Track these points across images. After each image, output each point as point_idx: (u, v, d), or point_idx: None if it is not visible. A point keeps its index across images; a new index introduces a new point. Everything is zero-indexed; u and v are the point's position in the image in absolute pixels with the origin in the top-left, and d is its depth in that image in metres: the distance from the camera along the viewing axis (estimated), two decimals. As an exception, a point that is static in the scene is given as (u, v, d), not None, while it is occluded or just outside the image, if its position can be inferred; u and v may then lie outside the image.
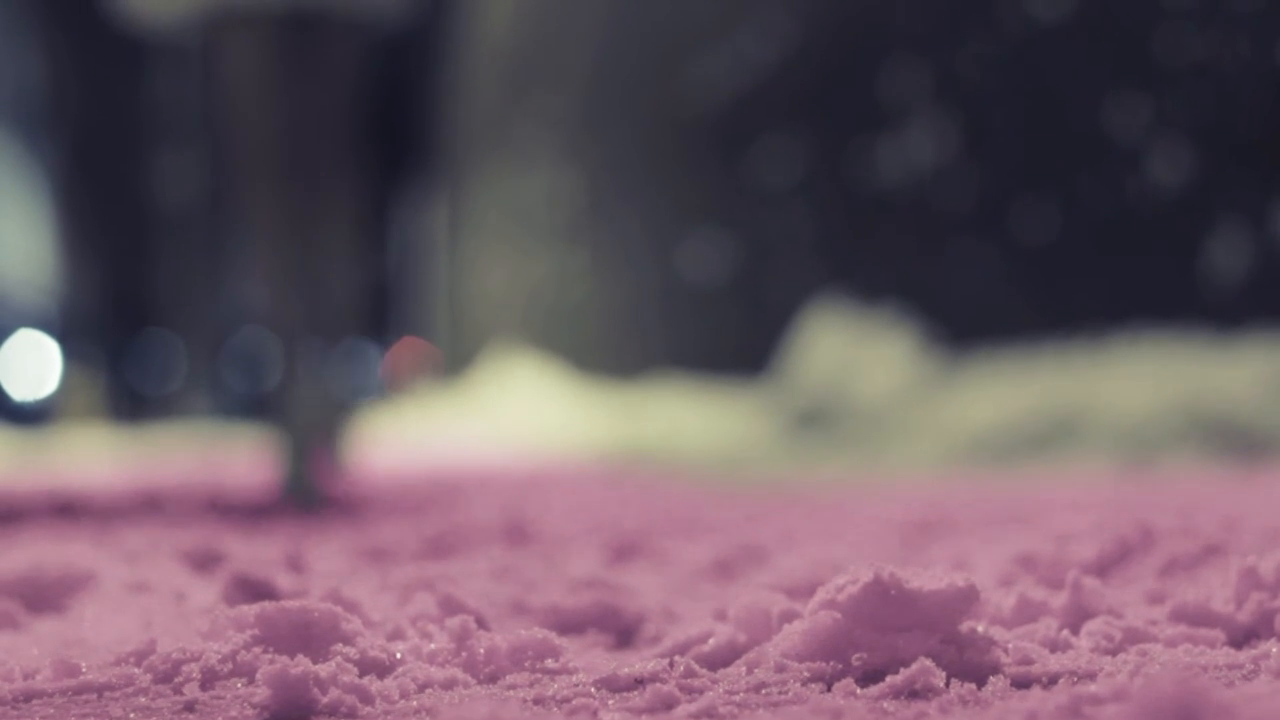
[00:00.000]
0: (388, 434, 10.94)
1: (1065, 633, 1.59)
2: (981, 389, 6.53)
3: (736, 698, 1.41)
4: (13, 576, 1.99)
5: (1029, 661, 1.49)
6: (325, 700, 1.40)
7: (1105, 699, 1.26)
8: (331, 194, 4.37)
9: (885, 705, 1.36)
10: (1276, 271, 5.66)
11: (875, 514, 3.17)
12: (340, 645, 1.53)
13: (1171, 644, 1.57)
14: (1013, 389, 6.32)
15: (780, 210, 8.41)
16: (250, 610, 1.55)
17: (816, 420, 7.31)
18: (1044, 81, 6.63)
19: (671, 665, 1.51)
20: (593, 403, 10.17)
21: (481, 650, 1.56)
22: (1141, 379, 5.79)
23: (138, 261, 23.66)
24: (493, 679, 1.54)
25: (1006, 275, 6.84)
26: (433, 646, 1.59)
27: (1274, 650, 1.50)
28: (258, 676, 1.44)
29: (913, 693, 1.39)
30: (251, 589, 1.86)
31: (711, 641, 1.60)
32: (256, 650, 1.51)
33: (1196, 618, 1.62)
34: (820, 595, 1.51)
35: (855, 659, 1.47)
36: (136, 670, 1.53)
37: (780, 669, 1.49)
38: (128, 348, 23.96)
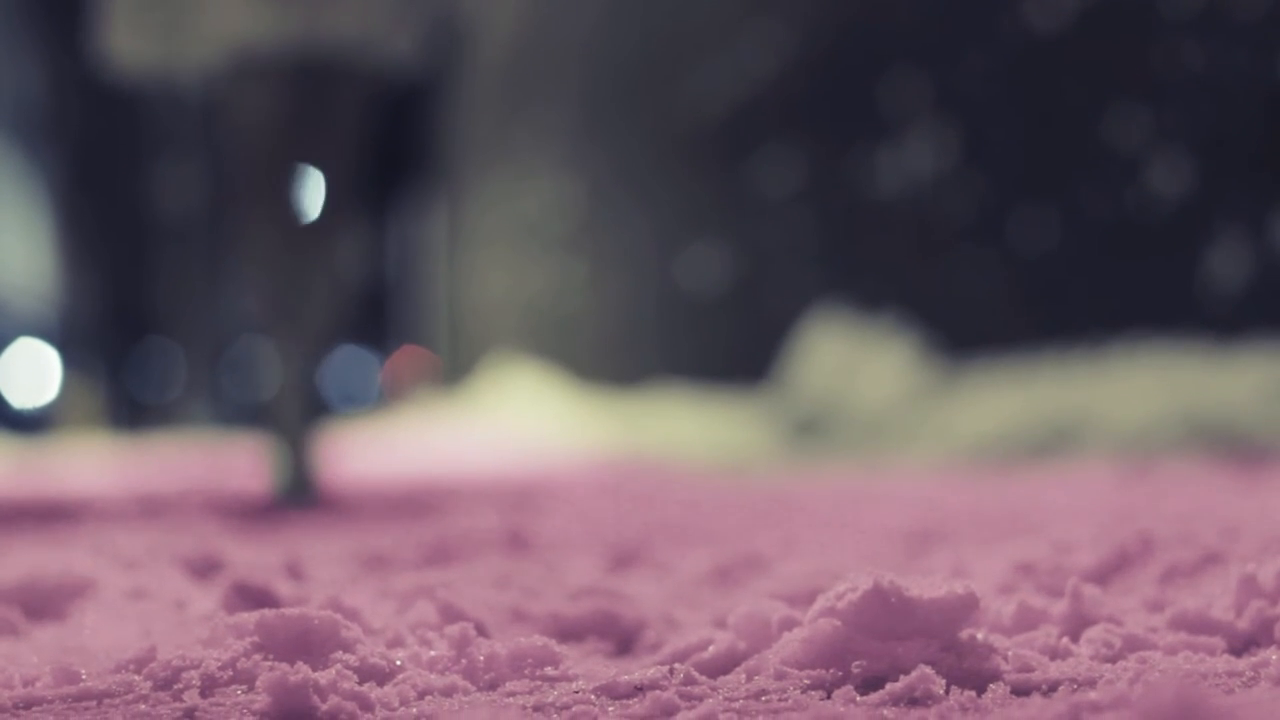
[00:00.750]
0: (388, 442, 10.94)
1: (1065, 640, 1.59)
2: (981, 397, 6.53)
3: (736, 705, 1.41)
4: (12, 584, 1.99)
5: (1029, 669, 1.49)
6: (325, 707, 1.40)
7: (1105, 706, 1.26)
8: (330, 220, 4.50)
9: (885, 712, 1.36)
10: (1275, 281, 5.66)
11: (875, 522, 3.17)
12: (340, 652, 1.53)
13: (1171, 651, 1.57)
14: (1012, 397, 6.32)
15: (780, 219, 8.41)
16: (250, 617, 1.55)
17: (816, 429, 7.31)
18: (1043, 92, 6.64)
19: (671, 673, 1.51)
20: (592, 411, 10.17)
21: (481, 657, 1.56)
22: (1141, 387, 5.79)
23: (137, 270, 23.67)
24: (492, 686, 1.54)
25: (1006, 284, 6.85)
26: (432, 654, 1.59)
27: (1274, 658, 1.50)
28: (257, 683, 1.44)
29: (912, 700, 1.39)
30: (251, 596, 1.86)
31: (711, 649, 1.60)
32: (256, 657, 1.51)
33: (1196, 625, 1.62)
34: (820, 603, 1.51)
35: (855, 666, 1.47)
36: (136, 677, 1.53)
37: (780, 676, 1.49)
38: (127, 356, 23.96)
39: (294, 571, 2.26)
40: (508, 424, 11.18)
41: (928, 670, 1.41)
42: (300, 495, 4.36)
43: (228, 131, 4.66)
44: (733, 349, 8.94)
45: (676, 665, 1.53)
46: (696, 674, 1.51)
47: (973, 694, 1.40)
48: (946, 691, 1.41)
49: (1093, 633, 1.59)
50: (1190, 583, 1.91)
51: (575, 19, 11.91)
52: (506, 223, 13.72)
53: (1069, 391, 6.11)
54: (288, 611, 1.54)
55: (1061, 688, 1.44)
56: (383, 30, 4.49)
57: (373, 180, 4.90)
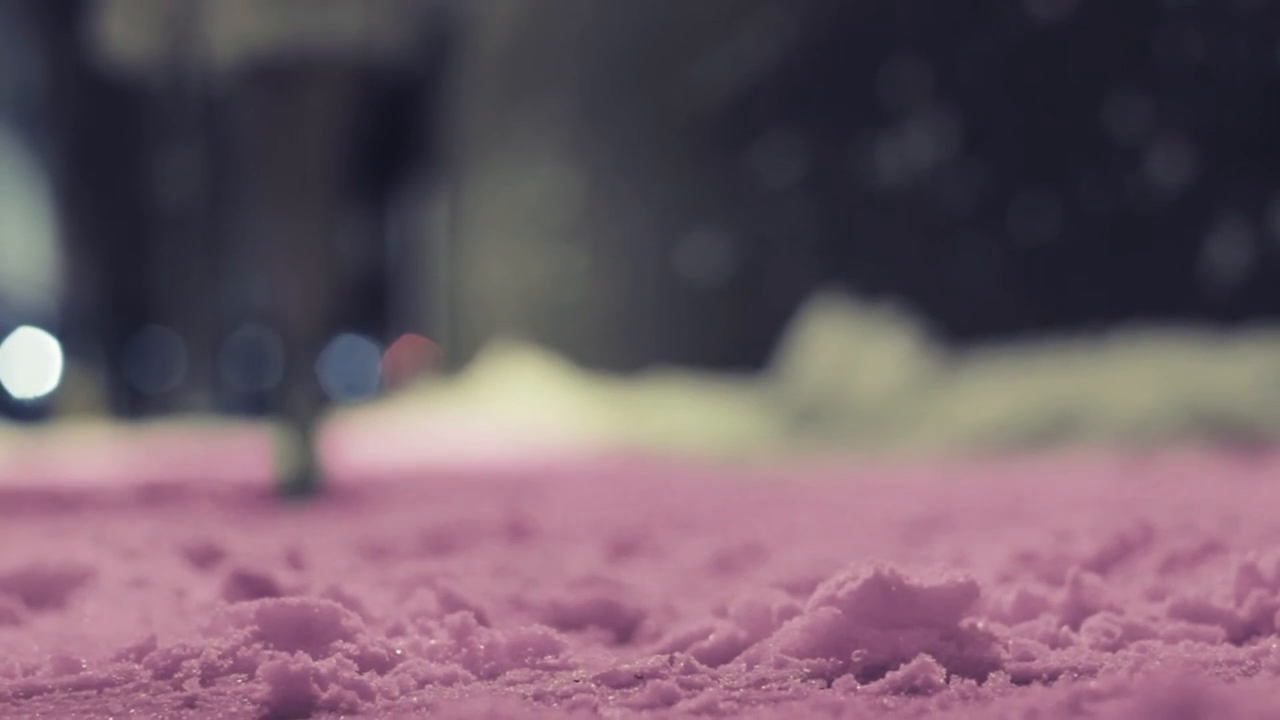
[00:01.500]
0: (388, 431, 10.95)
1: (1065, 629, 1.59)
2: (981, 386, 6.53)
3: (737, 694, 1.41)
4: (13, 573, 1.99)
5: (1029, 658, 1.49)
6: (325, 696, 1.41)
7: (1105, 695, 1.26)
8: (326, 208, 4.63)
9: (885, 701, 1.36)
10: (1276, 269, 5.66)
11: (875, 511, 3.17)
12: (340, 641, 1.53)
13: (1171, 640, 1.57)
14: (1013, 386, 6.32)
15: (780, 208, 8.41)
16: (250, 606, 1.55)
17: (816, 418, 7.31)
18: (1044, 81, 6.63)
19: (672, 661, 1.51)
20: (592, 400, 10.17)
21: (482, 646, 1.56)
22: (1141, 376, 5.79)
23: (137, 259, 23.67)
24: (493, 675, 1.54)
25: (1006, 273, 6.84)
26: (433, 643, 1.59)
27: (1274, 646, 1.50)
28: (258, 672, 1.44)
29: (913, 689, 1.39)
30: (251, 585, 1.86)
31: (712, 638, 1.60)
32: (257, 646, 1.51)
33: (1196, 614, 1.62)
34: (820, 592, 1.51)
35: (855, 655, 1.47)
36: (137, 666, 1.53)
37: (780, 665, 1.49)
38: (127, 345, 23.97)
39: (294, 560, 2.26)
40: (508, 413, 11.18)
41: (928, 659, 1.41)
42: (304, 492, 4.38)
43: (233, 129, 4.76)
44: (733, 338, 8.93)
45: (677, 654, 1.53)
46: (697, 663, 1.51)
47: (973, 683, 1.40)
48: (947, 680, 1.41)
49: (1093, 621, 1.59)
50: (1190, 572, 1.91)
51: (575, 7, 11.90)
52: (507, 212, 13.72)
53: (1069, 380, 6.11)
54: (288, 600, 1.54)
55: (1062, 676, 1.44)
56: (382, 29, 4.59)
57: (372, 170, 5.05)
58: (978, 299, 7.00)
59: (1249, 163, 5.75)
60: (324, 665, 1.44)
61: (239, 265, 22.23)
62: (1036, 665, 1.47)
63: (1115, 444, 5.43)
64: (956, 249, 7.11)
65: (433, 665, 1.53)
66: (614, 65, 10.95)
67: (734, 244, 8.91)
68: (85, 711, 1.41)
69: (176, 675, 1.50)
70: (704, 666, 1.50)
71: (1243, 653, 1.50)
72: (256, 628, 1.52)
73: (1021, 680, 1.44)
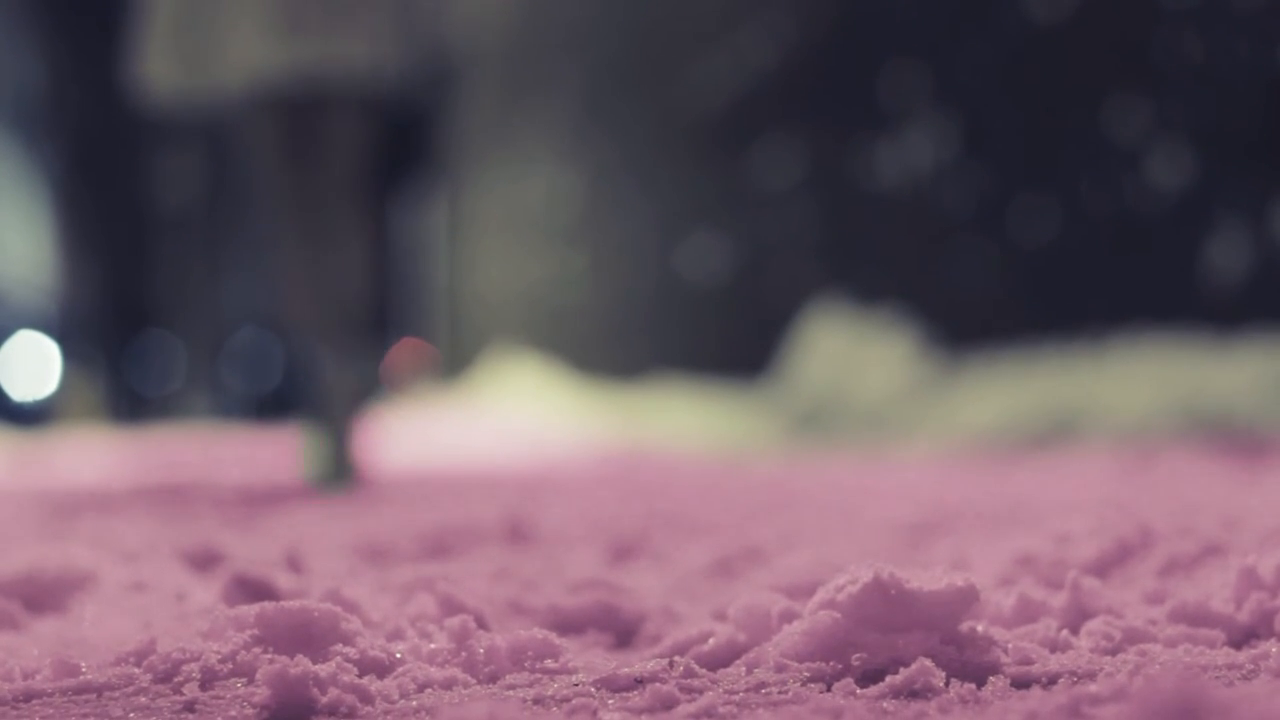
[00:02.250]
0: (388, 434, 10.95)
1: (1065, 633, 1.59)
2: (981, 389, 6.53)
3: (736, 698, 1.41)
4: (12, 576, 1.99)
5: (1029, 661, 1.49)
6: (325, 700, 1.41)
7: (1105, 699, 1.26)
8: (347, 220, 4.91)
9: (885, 705, 1.36)
10: (1275, 272, 5.66)
11: (875, 514, 3.17)
12: (340, 645, 1.53)
13: (1171, 644, 1.57)
14: (1012, 389, 6.32)
15: (780, 211, 8.41)
16: (250, 610, 1.55)
17: (816, 420, 7.31)
18: (1043, 83, 6.64)
19: (671, 665, 1.51)
20: (592, 403, 10.17)
21: (481, 650, 1.56)
22: (1141, 379, 5.79)
23: (137, 262, 23.66)
24: (492, 679, 1.54)
25: (1006, 276, 6.84)
26: (432, 646, 1.59)
27: (1274, 650, 1.50)
28: (257, 676, 1.44)
29: (912, 693, 1.39)
30: (251, 589, 1.86)
31: (711, 641, 1.60)
32: (256, 650, 1.51)
33: (1196, 618, 1.62)
34: (820, 595, 1.51)
35: (855, 659, 1.47)
36: (136, 670, 1.53)
37: (780, 669, 1.49)
38: (127, 348, 23.96)
39: (294, 564, 2.26)
40: (508, 416, 11.18)
41: (928, 663, 1.42)
42: (338, 482, 4.62)
43: (246, 155, 5.01)
44: (732, 340, 8.94)
45: (676, 658, 1.53)
46: (696, 666, 1.51)
47: (973, 686, 1.41)
48: (946, 684, 1.41)
49: (1093, 625, 1.59)
50: (1190, 575, 1.91)
51: (575, 9, 11.90)
52: (507, 214, 13.72)
53: (1069, 383, 6.11)
54: (288, 604, 1.54)
55: (1061, 680, 1.44)
56: (390, 57, 4.77)
57: (371, 173, 5.26)
58: (977, 301, 7.01)
59: (1248, 165, 5.75)
60: (324, 669, 1.44)
61: (239, 268, 22.23)
62: (1036, 669, 1.47)
63: (1115, 446, 5.43)
64: (956, 251, 7.11)
65: (432, 669, 1.53)
66: (614, 67, 10.95)
67: (734, 246, 8.91)
68: (85, 715, 1.41)
69: (176, 679, 1.50)
70: (703, 670, 1.50)
71: (1242, 656, 1.50)
72: (256, 631, 1.52)
73: (1021, 684, 1.44)
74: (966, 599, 1.47)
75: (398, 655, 1.55)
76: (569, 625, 1.84)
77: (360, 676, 1.48)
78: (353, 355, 4.76)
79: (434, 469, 6.59)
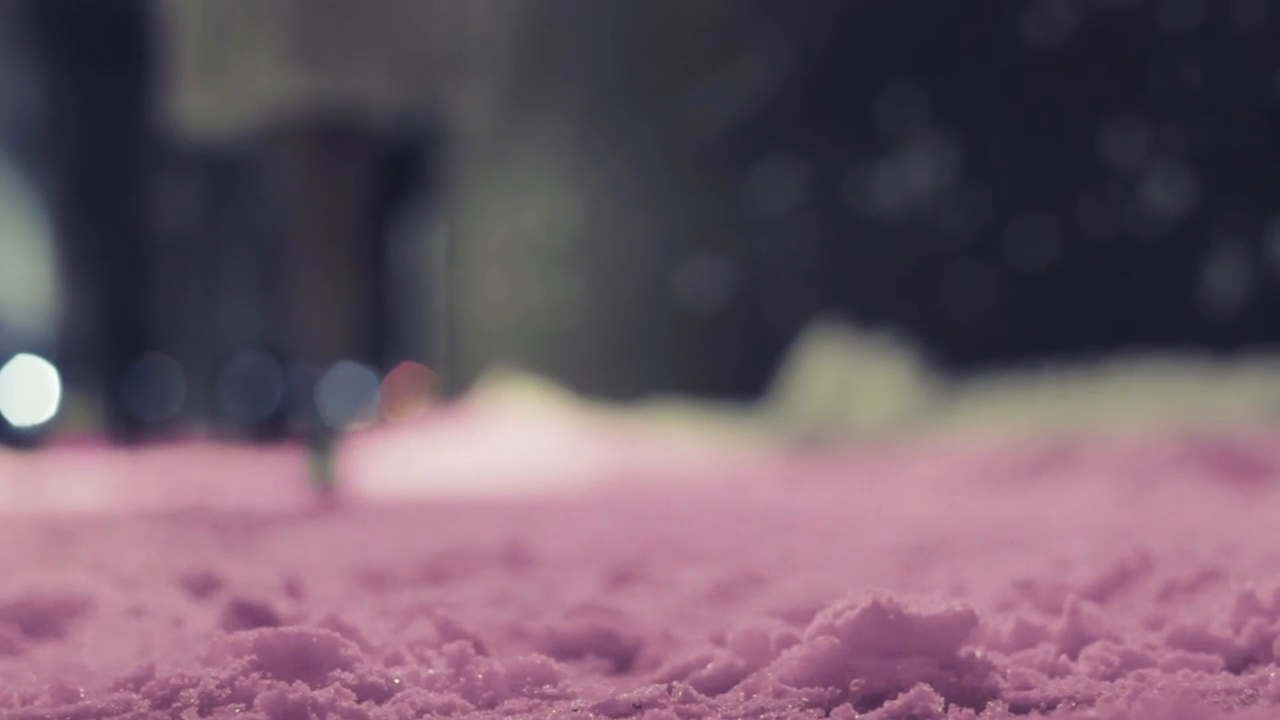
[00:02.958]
0: (386, 459, 10.94)
1: (1063, 658, 1.59)
2: (980, 413, 6.53)
3: (735, 723, 1.41)
4: (10, 602, 1.99)
5: (1027, 686, 1.49)
6: (323, 726, 1.40)
7: (1103, 724, 1.26)
8: (351, 251, 5.18)
9: (883, 730, 1.36)
10: (1274, 296, 5.66)
11: (873, 539, 3.16)
12: (338, 671, 1.53)
13: (1170, 669, 1.57)
14: (1011, 413, 6.32)
15: (778, 235, 8.41)
16: (248, 636, 1.55)
17: (814, 445, 7.30)
18: (1041, 107, 6.65)
19: (670, 690, 1.50)
20: (591, 427, 10.17)
21: (480, 675, 1.56)
22: (1139, 403, 5.79)
23: (136, 287, 23.66)
24: (491, 704, 1.54)
25: (1004, 300, 6.85)
26: (431, 672, 1.59)
27: (1272, 675, 1.50)
28: (256, 702, 1.44)
29: (911, 718, 1.39)
30: (250, 614, 1.85)
31: (710, 666, 1.60)
32: (255, 676, 1.51)
33: (1195, 642, 1.62)
34: (819, 620, 1.51)
35: (854, 684, 1.47)
36: (135, 696, 1.53)
37: (779, 694, 1.49)
38: (126, 372, 23.95)
39: (292, 589, 2.25)
40: (506, 440, 11.18)
41: (926, 688, 1.41)
42: (328, 485, 5.19)
43: (268, 184, 5.37)
44: (731, 364, 8.94)
45: (675, 683, 1.53)
46: (695, 692, 1.50)
47: (971, 712, 1.40)
48: (945, 709, 1.41)
49: (1091, 650, 1.59)
50: (1189, 600, 1.91)
51: (574, 34, 11.93)
52: (505, 238, 13.73)
53: (1068, 407, 6.11)
54: (286, 630, 1.54)
55: (1060, 705, 1.44)
56: (399, 89, 4.98)
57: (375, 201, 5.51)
58: (976, 325, 7.01)
59: (1247, 189, 5.76)
60: (322, 695, 1.44)
61: (238, 293, 22.23)
62: (1035, 694, 1.47)
63: (1113, 470, 5.43)
64: (954, 275, 7.11)
65: (431, 694, 1.53)
66: (612, 91, 10.97)
67: (732, 270, 8.92)
68: (83, 741, 1.41)
69: (174, 705, 1.50)
70: (702, 695, 1.50)
71: (1241, 681, 1.50)
72: (255, 657, 1.52)
73: (1020, 709, 1.43)
74: (965, 624, 1.47)
75: (396, 681, 1.55)
76: (567, 650, 1.84)
77: (359, 702, 1.48)
78: (349, 376, 5.19)
79: (432, 493, 6.59)
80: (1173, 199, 6.03)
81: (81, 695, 1.53)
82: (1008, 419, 6.29)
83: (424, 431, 13.21)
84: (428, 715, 1.49)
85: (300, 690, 1.42)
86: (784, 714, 1.43)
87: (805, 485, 6.22)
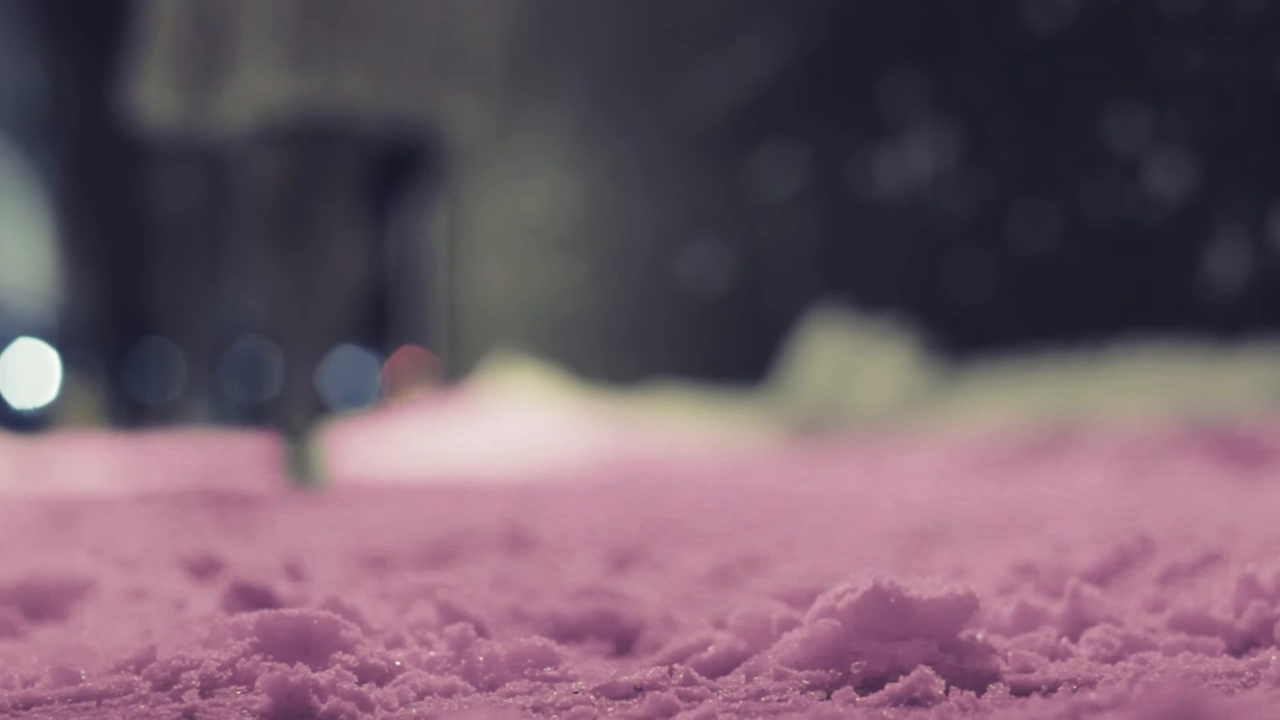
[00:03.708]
0: (387, 442, 10.95)
1: (1064, 641, 1.59)
2: (980, 399, 6.53)
3: (736, 705, 1.41)
4: (12, 584, 1.99)
5: (1028, 669, 1.49)
6: (324, 707, 1.41)
7: (1105, 706, 1.26)
8: (332, 245, 5.21)
9: (885, 713, 1.36)
10: (1275, 280, 5.66)
11: (874, 522, 3.17)
12: (339, 653, 1.53)
13: (1171, 652, 1.57)
14: (1011, 397, 6.32)
15: (780, 219, 8.41)
16: (249, 618, 1.55)
17: (816, 429, 7.31)
18: (1043, 92, 6.64)
19: (671, 673, 1.51)
20: (592, 411, 10.17)
21: (481, 658, 1.56)
22: (1140, 387, 5.79)
23: (137, 271, 23.66)
24: (492, 686, 1.54)
25: (1005, 284, 6.84)
26: (432, 654, 1.59)
27: (1273, 658, 1.50)
28: (257, 684, 1.44)
29: (912, 700, 1.39)
30: (251, 596, 1.85)
31: (711, 649, 1.60)
32: (256, 658, 1.51)
33: (1196, 626, 1.62)
34: (820, 603, 1.51)
35: (855, 667, 1.47)
36: (136, 678, 1.53)
37: (780, 677, 1.49)
38: (127, 356, 23.95)
39: (293, 572, 2.26)
40: (507, 424, 11.18)
41: (927, 671, 1.41)
42: (309, 482, 4.99)
43: (247, 184, 5.42)
44: (732, 348, 8.94)
45: (676, 665, 1.53)
46: (696, 674, 1.51)
47: (972, 694, 1.40)
48: (946, 692, 1.41)
49: (1092, 633, 1.59)
50: (1190, 583, 1.91)
51: (575, 19, 11.91)
52: (506, 223, 13.72)
53: (1069, 391, 6.11)
54: (287, 612, 1.54)
55: (1061, 688, 1.44)
56: (391, 90, 5.03)
57: (371, 181, 5.52)
58: (977, 309, 7.01)
59: (1248, 173, 5.75)
60: (323, 677, 1.44)
61: (238, 277, 22.23)
62: (1036, 677, 1.47)
63: (1114, 454, 5.43)
64: (956, 259, 7.11)
65: (432, 677, 1.53)
66: (614, 76, 10.96)
67: (734, 254, 8.92)
68: (84, 723, 1.41)
69: (176, 687, 1.50)
70: (703, 678, 1.50)
71: (1242, 664, 1.50)
72: (256, 639, 1.52)
73: (1021, 692, 1.44)
74: (966, 607, 1.47)
75: (397, 663, 1.55)
76: (569, 633, 1.84)
77: (360, 684, 1.48)
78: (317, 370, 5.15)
79: (434, 476, 6.59)
80: (1174, 184, 6.03)
81: (83, 677, 1.53)
82: (1009, 403, 6.29)
83: (425, 415, 13.23)
84: (429, 697, 1.49)
85: (301, 672, 1.43)
86: (785, 696, 1.43)
87: (806, 469, 6.22)
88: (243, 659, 1.51)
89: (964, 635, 1.48)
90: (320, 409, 5.21)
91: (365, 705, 1.43)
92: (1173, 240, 6.04)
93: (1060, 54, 6.54)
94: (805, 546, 2.72)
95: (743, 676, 1.52)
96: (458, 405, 13.30)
